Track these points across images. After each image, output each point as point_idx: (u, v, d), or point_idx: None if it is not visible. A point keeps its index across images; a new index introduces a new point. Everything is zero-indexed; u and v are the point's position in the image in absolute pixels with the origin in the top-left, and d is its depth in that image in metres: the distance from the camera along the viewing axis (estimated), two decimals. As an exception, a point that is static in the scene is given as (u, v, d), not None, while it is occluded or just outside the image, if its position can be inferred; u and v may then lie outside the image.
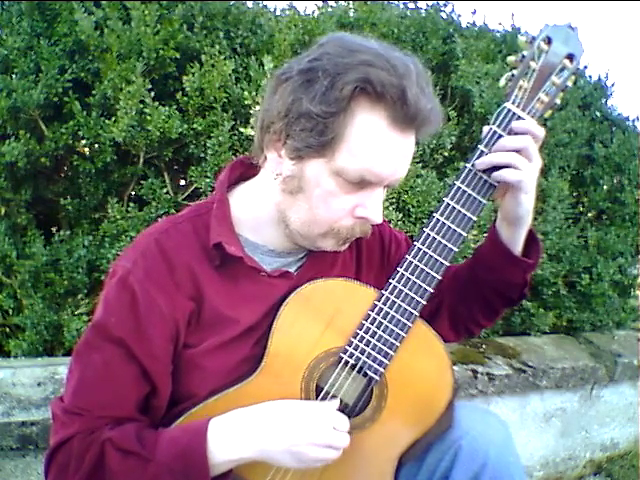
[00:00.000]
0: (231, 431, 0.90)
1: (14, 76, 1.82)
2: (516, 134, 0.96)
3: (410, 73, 0.87)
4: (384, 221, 1.22)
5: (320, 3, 2.47)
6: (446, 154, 2.29)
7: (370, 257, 1.15)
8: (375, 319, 0.98)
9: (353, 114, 0.87)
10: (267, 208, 1.00)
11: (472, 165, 0.98)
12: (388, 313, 0.98)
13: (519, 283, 1.11)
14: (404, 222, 2.07)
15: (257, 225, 1.02)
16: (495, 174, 0.97)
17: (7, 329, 1.93)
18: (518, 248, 1.07)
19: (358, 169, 0.89)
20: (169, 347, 0.95)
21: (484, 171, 0.98)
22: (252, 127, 1.84)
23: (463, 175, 0.98)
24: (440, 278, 0.99)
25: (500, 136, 0.97)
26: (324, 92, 0.86)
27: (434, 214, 0.99)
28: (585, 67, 2.87)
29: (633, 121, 2.87)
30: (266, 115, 0.94)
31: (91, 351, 0.95)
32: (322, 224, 0.94)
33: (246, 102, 1.90)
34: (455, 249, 0.99)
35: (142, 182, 1.92)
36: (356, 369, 0.99)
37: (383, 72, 0.85)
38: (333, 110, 0.86)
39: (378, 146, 0.88)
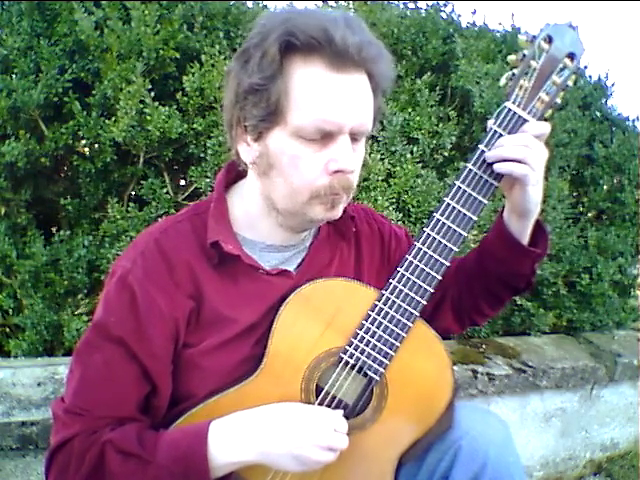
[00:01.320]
0: (232, 434, 0.90)
1: (14, 76, 1.82)
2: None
3: (334, 18, 0.88)
4: (384, 217, 1.23)
5: (320, 3, 2.47)
6: (446, 154, 2.30)
7: (370, 254, 1.15)
8: (375, 319, 0.98)
9: (290, 71, 0.88)
10: (256, 201, 1.00)
11: (473, 164, 0.98)
12: (388, 313, 0.98)
13: (526, 273, 1.11)
14: (404, 222, 2.07)
15: (251, 221, 1.02)
16: (499, 165, 0.96)
17: (7, 329, 1.93)
18: (526, 239, 1.07)
19: (312, 122, 0.88)
20: (169, 346, 0.95)
21: (485, 170, 0.98)
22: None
23: (463, 175, 0.98)
24: (440, 278, 0.99)
25: (500, 135, 0.97)
26: (258, 62, 0.88)
27: (434, 214, 0.99)
28: (585, 67, 2.87)
29: (633, 121, 2.86)
30: (226, 114, 0.97)
31: (91, 351, 0.95)
32: (301, 191, 0.93)
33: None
34: (455, 249, 0.99)
35: (142, 182, 1.92)
36: (356, 369, 0.99)
37: (303, 22, 0.87)
38: (269, 74, 0.88)
39: (323, 92, 0.88)
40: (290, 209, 0.96)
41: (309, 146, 0.90)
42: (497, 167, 0.97)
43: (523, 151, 0.95)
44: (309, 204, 0.94)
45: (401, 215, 2.05)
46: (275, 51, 0.87)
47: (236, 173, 1.06)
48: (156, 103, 1.83)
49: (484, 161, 0.98)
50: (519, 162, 0.95)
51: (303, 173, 0.91)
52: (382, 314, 0.98)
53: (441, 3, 2.66)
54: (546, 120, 1.02)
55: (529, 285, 1.15)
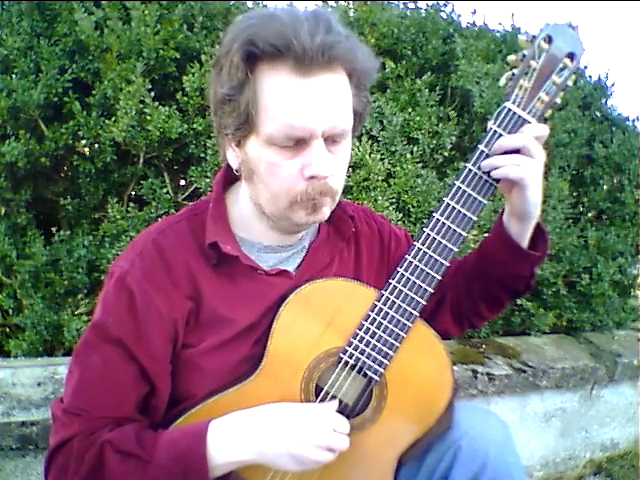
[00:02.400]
0: (231, 434, 0.90)
1: (14, 76, 1.82)
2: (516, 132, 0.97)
3: (296, 19, 0.84)
4: (384, 218, 1.23)
5: (320, 3, 2.47)
6: (446, 154, 2.29)
7: (370, 254, 1.15)
8: (375, 319, 0.98)
9: (257, 80, 0.87)
10: (247, 205, 1.01)
11: (473, 164, 0.98)
12: (388, 313, 0.98)
13: (525, 275, 1.11)
14: (404, 222, 2.07)
15: (247, 223, 1.02)
16: (496, 172, 0.97)
17: (7, 329, 1.93)
18: (526, 241, 1.07)
19: (281, 129, 0.86)
20: (168, 347, 0.95)
21: (485, 171, 0.98)
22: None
23: (463, 175, 0.98)
24: (440, 278, 0.99)
25: (500, 135, 0.97)
26: (227, 72, 0.88)
27: (434, 214, 0.99)
28: (585, 67, 2.87)
29: (633, 121, 2.86)
30: (213, 121, 0.97)
31: (90, 351, 0.95)
32: (280, 197, 0.93)
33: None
34: (455, 249, 0.99)
35: (142, 182, 1.92)
36: (356, 369, 0.98)
37: (263, 29, 0.84)
38: (236, 84, 0.87)
39: (289, 99, 0.86)
40: (275, 213, 0.96)
41: (283, 153, 0.89)
42: (494, 173, 0.97)
43: (517, 157, 0.95)
44: (290, 209, 0.94)
45: (401, 215, 2.05)
46: (239, 60, 0.86)
47: (234, 174, 1.06)
48: (156, 103, 1.83)
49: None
50: (514, 165, 0.95)
51: (280, 180, 0.91)
52: (382, 314, 0.98)
53: (441, 3, 2.65)
54: (546, 120, 1.02)
55: (528, 288, 1.15)
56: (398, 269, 0.98)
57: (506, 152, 0.97)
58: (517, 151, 0.96)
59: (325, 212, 0.97)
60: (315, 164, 0.89)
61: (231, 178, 1.06)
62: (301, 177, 0.90)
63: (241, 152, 0.94)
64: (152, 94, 1.83)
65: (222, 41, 0.92)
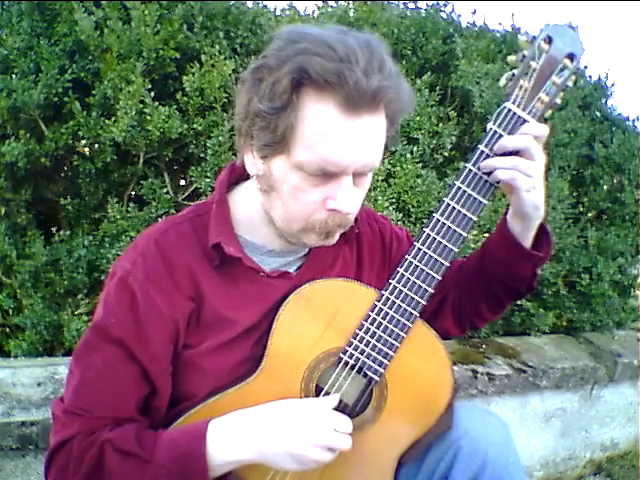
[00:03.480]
0: (230, 433, 0.90)
1: (14, 76, 1.82)
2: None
3: (352, 53, 0.82)
4: (385, 219, 1.23)
5: (320, 3, 2.47)
6: (446, 154, 2.30)
7: (371, 255, 1.15)
8: (375, 319, 0.98)
9: (300, 106, 0.85)
10: (257, 211, 1.00)
11: (473, 165, 0.98)
12: (388, 313, 0.98)
13: (528, 276, 1.11)
14: (404, 222, 2.07)
15: (253, 226, 1.02)
16: (492, 178, 0.97)
17: (7, 329, 1.93)
18: (528, 242, 1.07)
19: (315, 161, 0.86)
20: (169, 348, 0.95)
21: (484, 171, 0.98)
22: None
23: (463, 175, 0.98)
24: (440, 278, 0.99)
25: (500, 136, 0.97)
26: (270, 89, 0.85)
27: (434, 214, 0.99)
28: (585, 67, 2.87)
29: (633, 121, 2.86)
30: (236, 118, 0.95)
31: (91, 352, 0.95)
32: (297, 220, 0.93)
33: (246, 102, 1.90)
34: (455, 249, 0.99)
35: (142, 182, 1.92)
36: (356, 369, 0.98)
37: (319, 58, 0.82)
38: (278, 105, 0.84)
39: (330, 134, 0.84)
40: (285, 230, 0.96)
41: (310, 180, 0.88)
42: (490, 178, 0.97)
43: (512, 159, 0.95)
44: (303, 232, 0.94)
45: (401, 215, 2.05)
46: (287, 83, 0.83)
47: (238, 174, 1.06)
48: (156, 103, 1.83)
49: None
50: (508, 169, 0.95)
51: (301, 205, 0.91)
52: (382, 314, 0.98)
53: (441, 3, 2.66)
54: (546, 120, 1.02)
55: (530, 289, 1.14)
56: (398, 269, 0.98)
57: (508, 153, 0.97)
58: (517, 152, 0.96)
59: (336, 238, 0.98)
60: (340, 199, 0.89)
61: (235, 179, 1.06)
62: (322, 207, 0.90)
63: (264, 165, 0.92)
64: (152, 94, 1.83)
65: (267, 50, 0.88)
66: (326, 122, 0.84)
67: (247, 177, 1.04)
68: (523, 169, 0.95)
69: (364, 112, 0.85)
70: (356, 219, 1.09)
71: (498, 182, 0.99)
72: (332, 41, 0.83)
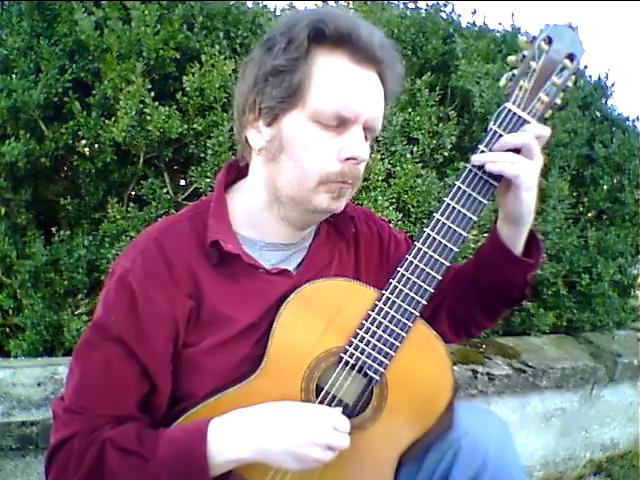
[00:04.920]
0: (231, 432, 0.90)
1: (14, 76, 1.82)
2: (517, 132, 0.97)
3: (358, 19, 0.95)
4: (383, 221, 1.23)
5: (320, 3, 2.47)
6: (446, 154, 2.29)
7: (369, 255, 1.15)
8: (375, 319, 0.98)
9: (315, 57, 0.92)
10: (258, 195, 1.01)
11: (474, 166, 0.98)
12: (388, 313, 0.98)
13: (519, 283, 1.10)
14: (404, 222, 2.07)
15: (251, 218, 1.02)
16: (490, 166, 0.96)
17: (7, 329, 1.93)
18: (519, 248, 1.06)
19: (332, 107, 0.91)
20: (169, 346, 0.95)
21: (485, 171, 0.98)
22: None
23: (463, 175, 0.98)
24: (440, 278, 0.99)
25: (500, 136, 0.97)
26: (284, 47, 0.92)
27: (434, 214, 0.99)
28: (585, 67, 2.87)
29: (633, 121, 2.87)
30: (239, 100, 1.00)
31: (91, 350, 0.95)
32: (311, 175, 0.94)
33: (246, 102, 1.90)
34: (455, 249, 0.99)
35: (142, 182, 1.92)
36: (356, 369, 0.99)
37: (332, 17, 0.93)
38: (295, 56, 0.92)
39: (345, 82, 0.92)
40: (295, 196, 0.96)
41: (324, 131, 0.93)
42: (489, 166, 0.96)
43: (514, 155, 0.95)
44: (316, 191, 0.95)
45: (401, 215, 2.05)
46: (304, 36, 0.91)
47: (236, 173, 1.07)
48: (156, 103, 1.82)
49: None
50: (510, 163, 0.95)
51: (315, 157, 0.93)
52: (382, 314, 0.98)
53: (441, 3, 2.66)
54: (546, 120, 1.02)
55: (523, 296, 1.13)
56: (398, 269, 0.98)
57: (507, 150, 0.96)
58: (517, 151, 0.96)
59: (343, 202, 1.00)
60: (355, 147, 0.94)
61: (233, 177, 1.06)
62: (336, 159, 0.94)
63: (273, 129, 0.95)
64: (152, 94, 1.82)
65: (276, 25, 0.98)
66: (340, 71, 0.93)
67: (245, 175, 1.05)
68: (524, 166, 0.95)
69: (370, 65, 0.94)
70: (353, 218, 1.10)
71: (499, 182, 0.98)
72: (337, 10, 0.97)
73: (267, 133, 0.96)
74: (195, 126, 1.89)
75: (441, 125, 2.26)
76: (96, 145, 1.90)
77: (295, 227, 1.03)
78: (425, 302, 0.98)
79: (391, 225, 1.27)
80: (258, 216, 1.02)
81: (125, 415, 0.94)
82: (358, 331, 0.98)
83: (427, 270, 0.98)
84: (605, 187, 2.70)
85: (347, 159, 0.94)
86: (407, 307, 0.98)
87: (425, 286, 0.98)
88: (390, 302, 0.98)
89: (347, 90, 0.92)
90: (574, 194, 2.67)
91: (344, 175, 0.95)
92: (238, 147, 1.05)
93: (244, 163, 1.05)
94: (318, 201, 0.96)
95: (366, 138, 0.97)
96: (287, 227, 1.02)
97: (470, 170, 0.98)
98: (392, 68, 0.97)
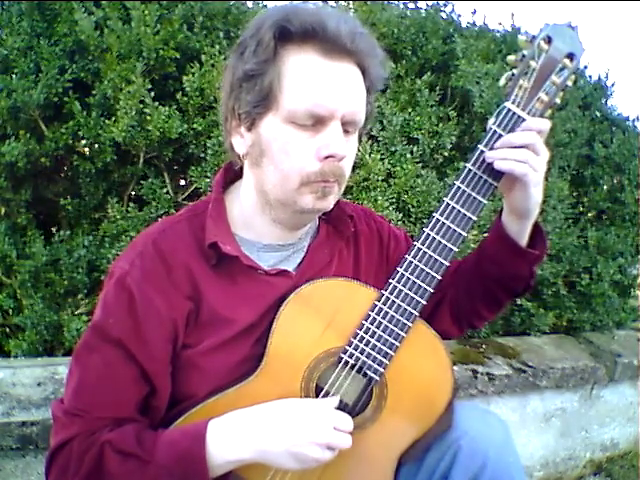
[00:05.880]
0: (230, 433, 0.90)
1: (14, 76, 1.82)
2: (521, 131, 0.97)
3: (326, 8, 0.93)
4: (383, 219, 1.23)
5: (320, 3, 2.47)
6: (446, 154, 2.29)
7: (369, 254, 1.15)
8: (375, 319, 0.98)
9: (283, 57, 0.90)
10: (251, 197, 1.01)
11: (473, 164, 0.98)
12: (388, 313, 0.98)
13: (525, 275, 1.11)
14: (404, 222, 2.07)
15: (248, 220, 1.02)
16: (500, 163, 0.95)
17: (7, 329, 1.93)
18: (524, 240, 1.07)
19: (305, 106, 0.89)
20: (168, 348, 0.95)
21: (485, 171, 0.98)
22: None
23: (463, 175, 0.98)
24: (440, 278, 0.99)
25: (500, 135, 0.97)
26: (253, 50, 0.91)
27: (434, 214, 0.99)
28: (585, 67, 2.87)
29: (633, 121, 2.87)
30: (222, 107, 0.99)
31: (90, 352, 0.95)
32: (292, 176, 0.93)
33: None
34: (455, 249, 0.99)
35: (142, 182, 1.92)
36: (356, 369, 0.99)
37: (298, 12, 0.90)
38: (263, 58, 0.90)
39: (316, 77, 0.89)
40: (281, 198, 0.96)
41: (301, 131, 0.91)
42: (498, 164, 0.96)
43: (524, 152, 0.95)
44: (299, 192, 0.94)
45: (401, 215, 2.05)
46: (270, 37, 0.89)
47: (234, 173, 1.06)
48: (156, 103, 1.83)
49: (484, 161, 0.98)
50: (520, 162, 0.95)
51: (294, 159, 0.92)
52: (382, 314, 0.98)
53: (441, 3, 2.65)
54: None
55: (527, 288, 1.14)
56: (398, 269, 0.98)
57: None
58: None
59: (331, 201, 0.98)
60: (333, 144, 0.91)
61: (231, 178, 1.06)
62: (315, 158, 0.92)
63: (252, 134, 0.94)
64: (152, 94, 1.83)
65: (247, 27, 0.95)
66: (310, 67, 0.90)
67: (242, 176, 1.05)
68: (533, 163, 0.95)
69: (342, 56, 0.91)
70: (353, 217, 1.10)
71: (499, 181, 0.98)
72: (307, 4, 0.94)
73: (249, 138, 0.95)
74: (195, 126, 1.89)
75: (441, 125, 2.26)
76: (96, 145, 1.90)
77: (288, 228, 1.03)
78: (425, 302, 0.98)
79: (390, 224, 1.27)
80: (252, 219, 1.02)
81: (124, 417, 0.94)
82: (358, 331, 0.98)
83: (427, 270, 0.98)
84: (605, 187, 2.70)
85: (326, 157, 0.92)
86: (407, 307, 0.98)
87: (425, 286, 0.98)
88: (390, 302, 0.98)
89: (318, 87, 0.89)
90: (574, 194, 2.66)
91: (324, 174, 0.93)
92: (227, 149, 1.04)
93: (237, 163, 1.04)
94: (303, 202, 0.95)
95: (347, 132, 0.94)
96: (281, 229, 1.02)
97: (470, 170, 0.98)
98: (370, 55, 0.94)
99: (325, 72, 0.90)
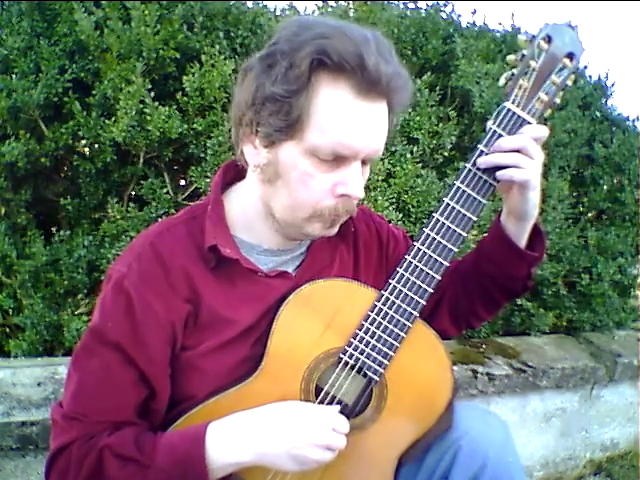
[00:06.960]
0: (229, 436, 0.90)
1: (14, 76, 1.82)
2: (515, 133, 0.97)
3: (367, 41, 0.85)
4: (382, 218, 1.23)
5: (320, 3, 2.47)
6: (446, 154, 2.30)
7: (368, 255, 1.15)
8: (375, 320, 0.98)
9: (316, 89, 0.86)
10: (254, 204, 1.00)
11: (472, 164, 0.98)
12: (388, 314, 0.98)
13: (523, 276, 1.11)
14: (404, 222, 2.07)
15: (249, 224, 1.02)
16: (500, 173, 0.96)
17: (7, 329, 1.93)
18: (523, 242, 1.07)
19: (330, 144, 0.87)
20: (166, 350, 0.95)
21: (484, 171, 0.98)
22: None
23: (463, 175, 0.98)
24: (440, 278, 0.99)
25: (500, 135, 0.97)
26: (284, 72, 0.86)
27: (434, 214, 0.99)
28: (585, 67, 2.87)
29: (633, 121, 2.86)
30: (236, 109, 0.95)
31: (89, 356, 0.94)
32: (304, 207, 0.93)
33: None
34: (455, 249, 0.99)
35: (142, 182, 1.92)
36: (356, 369, 0.98)
37: (338, 42, 0.84)
38: (294, 88, 0.86)
39: (346, 117, 0.87)
40: (288, 221, 0.96)
41: (320, 166, 0.89)
42: (499, 174, 0.97)
43: (515, 156, 0.95)
44: (308, 221, 0.94)
45: (401, 215, 2.05)
46: (306, 66, 0.85)
47: (233, 174, 1.06)
48: (156, 103, 1.82)
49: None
50: (517, 168, 0.95)
51: (310, 191, 0.91)
52: (382, 314, 0.98)
53: (441, 3, 2.65)
54: (546, 120, 1.02)
55: (526, 289, 1.14)
56: (398, 269, 0.98)
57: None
58: (516, 152, 0.96)
59: (337, 229, 0.99)
60: (351, 184, 0.91)
61: (230, 179, 1.06)
62: (331, 193, 0.91)
63: (269, 153, 0.92)
64: (152, 94, 1.83)
65: (277, 38, 0.90)
66: (342, 105, 0.86)
67: (241, 177, 1.04)
68: (525, 166, 0.95)
69: (376, 97, 0.88)
70: (352, 217, 1.10)
71: (498, 181, 0.98)
72: (346, 27, 0.86)
73: (264, 155, 0.93)
74: (195, 126, 1.89)
75: (441, 125, 2.26)
76: (96, 145, 1.90)
77: (290, 238, 1.03)
78: (424, 302, 0.98)
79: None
80: (254, 223, 1.01)
81: (124, 421, 0.94)
82: (357, 332, 0.98)
83: (426, 270, 0.98)
84: (605, 187, 2.70)
85: (342, 195, 0.91)
86: (406, 307, 0.98)
87: (424, 286, 0.98)
88: (389, 302, 0.98)
89: (346, 127, 0.87)
90: (574, 194, 2.66)
91: (337, 210, 0.93)
92: (236, 152, 1.02)
93: (242, 165, 1.03)
94: (310, 229, 0.96)
95: (365, 164, 0.94)
96: (283, 238, 1.02)
97: (470, 170, 0.98)
98: (402, 92, 0.91)
99: (355, 113, 0.87)
